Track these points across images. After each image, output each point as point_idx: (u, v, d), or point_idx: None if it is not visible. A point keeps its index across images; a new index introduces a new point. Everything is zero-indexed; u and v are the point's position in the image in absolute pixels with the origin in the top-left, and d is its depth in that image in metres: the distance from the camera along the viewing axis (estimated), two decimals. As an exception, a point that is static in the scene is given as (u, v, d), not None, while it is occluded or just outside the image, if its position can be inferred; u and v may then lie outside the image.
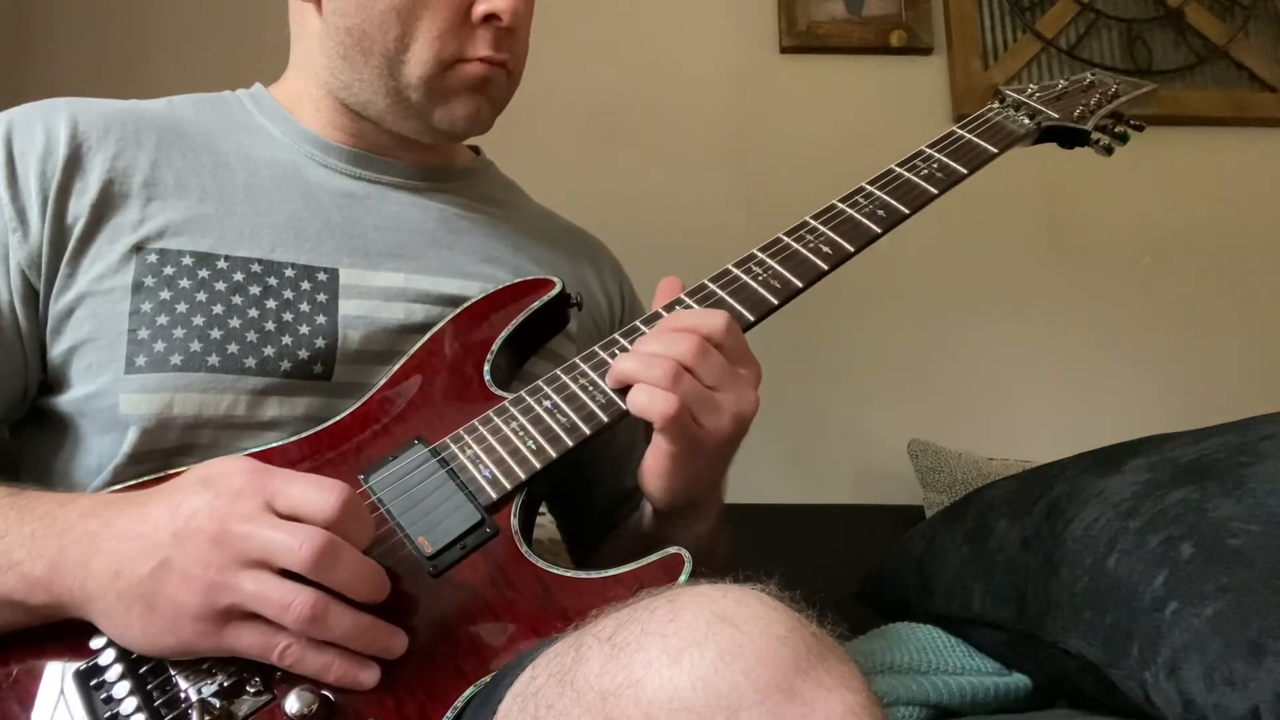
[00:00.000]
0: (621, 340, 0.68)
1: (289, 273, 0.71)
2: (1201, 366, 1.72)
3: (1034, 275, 1.76)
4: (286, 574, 0.50)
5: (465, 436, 0.65)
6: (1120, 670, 0.70)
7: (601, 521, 0.88)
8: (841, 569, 1.14)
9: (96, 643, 0.53)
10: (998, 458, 1.49)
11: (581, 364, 0.67)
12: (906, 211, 0.73)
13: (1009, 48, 1.83)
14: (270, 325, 0.68)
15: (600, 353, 0.68)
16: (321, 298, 0.71)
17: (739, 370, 0.62)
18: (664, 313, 0.68)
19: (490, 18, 0.72)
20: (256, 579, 0.50)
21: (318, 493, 0.51)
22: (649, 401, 0.60)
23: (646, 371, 0.60)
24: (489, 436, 0.64)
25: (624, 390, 0.63)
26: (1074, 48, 1.83)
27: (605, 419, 0.64)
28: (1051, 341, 1.73)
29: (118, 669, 0.52)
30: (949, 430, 1.56)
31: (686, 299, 0.69)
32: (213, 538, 0.50)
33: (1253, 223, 1.79)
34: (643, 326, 0.68)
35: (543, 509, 1.03)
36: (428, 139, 0.79)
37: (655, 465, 0.63)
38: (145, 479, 0.62)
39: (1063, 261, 1.77)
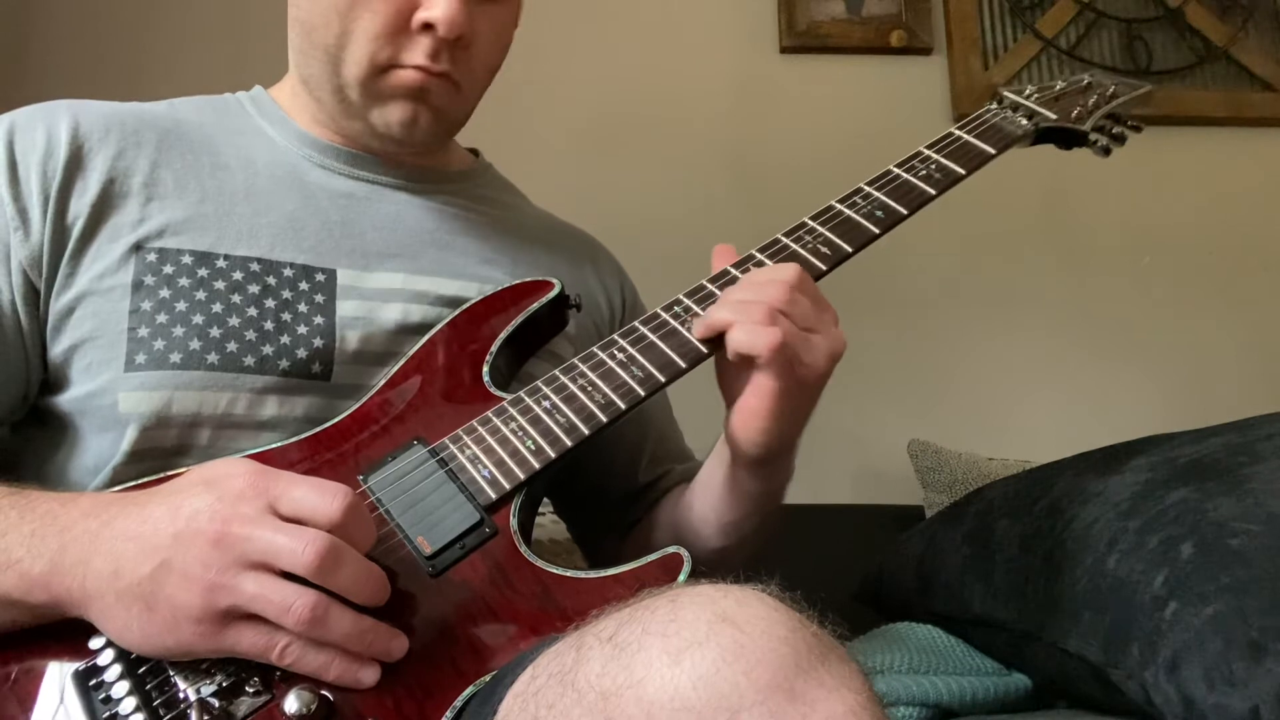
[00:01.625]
0: (620, 341, 0.68)
1: (288, 272, 0.71)
2: (1201, 366, 1.73)
3: (1034, 275, 1.77)
4: (287, 576, 0.50)
5: (464, 437, 0.65)
6: (1120, 670, 0.70)
7: (618, 519, 0.88)
8: (841, 569, 1.13)
9: (95, 643, 0.53)
10: (998, 458, 1.49)
11: (580, 364, 0.67)
12: (905, 212, 0.73)
13: (1009, 48, 1.83)
14: (269, 324, 0.68)
15: (599, 353, 0.68)
16: (320, 298, 0.71)
17: (823, 313, 0.65)
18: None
19: (429, 27, 0.71)
20: (257, 580, 0.50)
21: (321, 496, 0.51)
22: (751, 338, 0.61)
23: (743, 314, 0.62)
24: (488, 437, 0.64)
25: (710, 340, 0.65)
26: (1074, 48, 1.83)
27: (604, 419, 0.64)
28: (1051, 341, 1.73)
29: (116, 669, 0.52)
30: (949, 430, 1.56)
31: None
32: (214, 539, 0.50)
33: (1252, 223, 1.79)
34: (641, 327, 0.68)
35: (543, 510, 1.03)
36: (376, 142, 0.78)
37: (755, 405, 0.63)
38: (146, 479, 0.62)
39: (1062, 261, 1.77)
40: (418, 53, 0.71)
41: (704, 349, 0.66)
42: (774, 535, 0.78)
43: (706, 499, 0.75)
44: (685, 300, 0.69)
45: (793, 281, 0.63)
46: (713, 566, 0.73)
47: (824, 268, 0.70)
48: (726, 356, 0.64)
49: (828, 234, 0.71)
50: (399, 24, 0.71)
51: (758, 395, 0.63)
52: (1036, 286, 1.76)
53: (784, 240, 0.72)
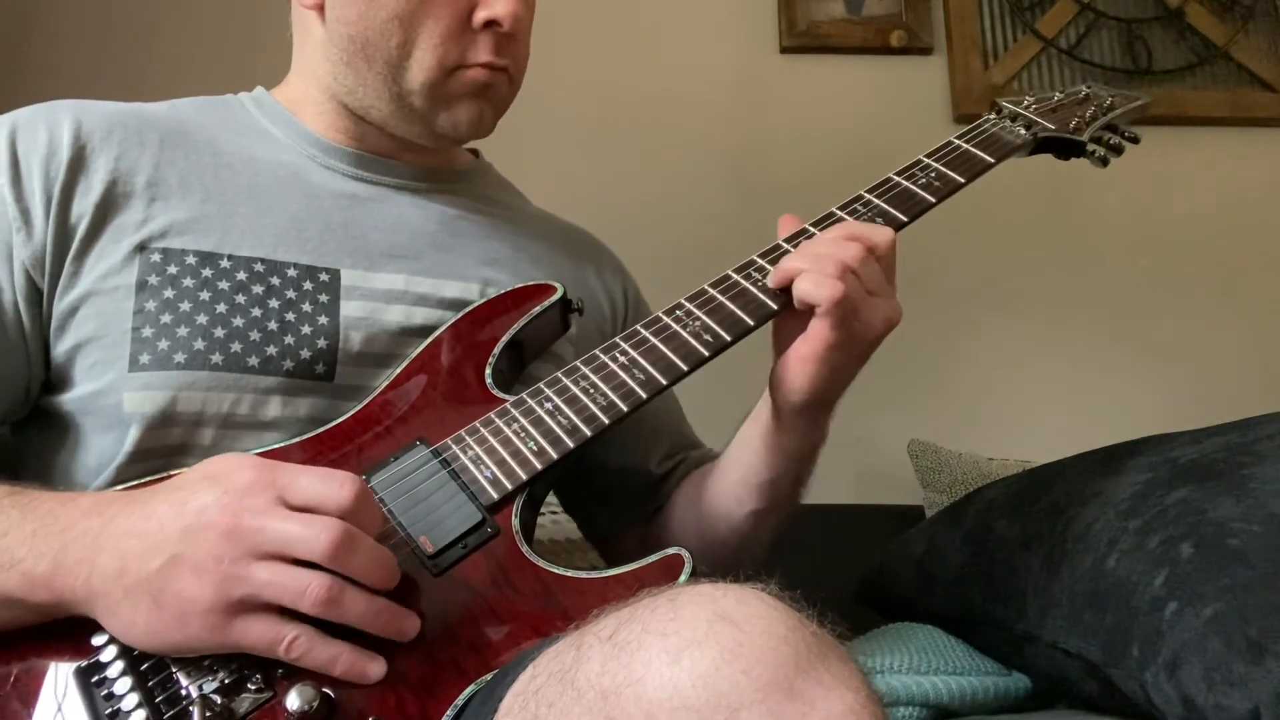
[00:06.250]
0: (623, 344, 0.68)
1: (291, 272, 0.71)
2: (1201, 366, 1.72)
3: (1034, 275, 1.77)
4: (297, 563, 0.51)
5: (467, 438, 0.65)
6: (1120, 670, 0.70)
7: (639, 511, 0.88)
8: (841, 569, 1.14)
9: (98, 640, 0.54)
10: (998, 458, 1.49)
11: (582, 367, 0.68)
12: (905, 219, 0.73)
13: (1009, 48, 1.83)
14: (273, 324, 0.69)
15: (601, 355, 0.68)
16: (324, 298, 0.71)
17: (889, 282, 0.68)
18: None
19: (491, 24, 0.73)
20: (270, 568, 0.50)
21: (327, 485, 0.52)
22: (815, 287, 0.63)
23: (814, 265, 0.65)
24: (490, 438, 0.64)
25: (783, 291, 0.67)
26: (1074, 48, 1.83)
27: (605, 421, 0.64)
28: (1051, 341, 1.73)
29: (119, 666, 0.52)
30: (949, 430, 1.56)
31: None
32: (225, 532, 0.50)
33: (1253, 222, 1.79)
34: (643, 330, 0.69)
35: (543, 510, 1.04)
36: (430, 143, 0.79)
37: (806, 352, 0.65)
38: (147, 480, 0.62)
39: (1063, 261, 1.77)
40: (482, 50, 0.74)
41: (706, 352, 0.66)
42: (792, 517, 0.79)
43: (742, 459, 0.75)
44: (686, 304, 0.70)
45: (876, 244, 0.66)
46: (746, 536, 0.76)
47: None
48: (782, 314, 0.67)
49: None
50: (461, 24, 0.73)
51: (810, 343, 0.65)
52: (1037, 286, 1.76)
53: (786, 247, 0.72)
